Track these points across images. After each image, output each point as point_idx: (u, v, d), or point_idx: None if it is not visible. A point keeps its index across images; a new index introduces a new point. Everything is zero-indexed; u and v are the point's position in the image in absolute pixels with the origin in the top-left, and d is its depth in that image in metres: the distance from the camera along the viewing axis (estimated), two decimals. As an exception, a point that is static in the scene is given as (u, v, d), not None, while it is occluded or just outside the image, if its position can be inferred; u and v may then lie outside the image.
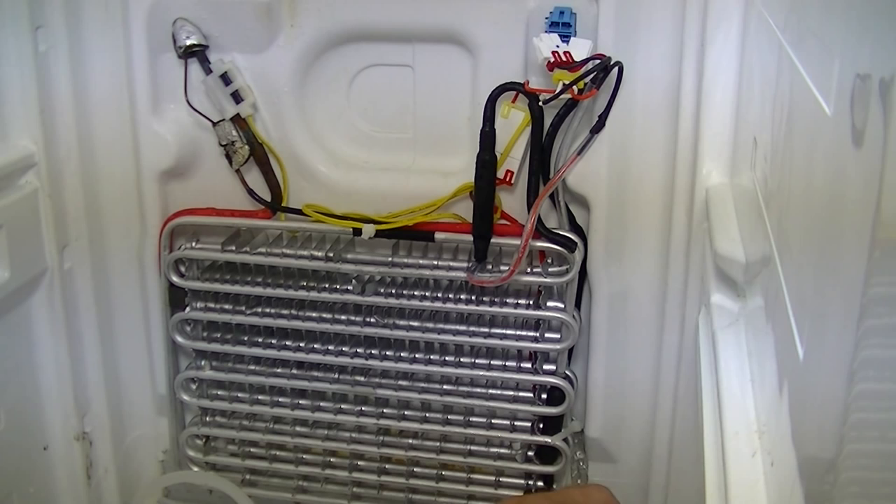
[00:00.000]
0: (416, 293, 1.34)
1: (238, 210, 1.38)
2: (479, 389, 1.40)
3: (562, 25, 1.18)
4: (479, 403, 1.39)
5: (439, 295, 1.33)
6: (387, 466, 1.47)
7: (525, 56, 1.25)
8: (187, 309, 1.42)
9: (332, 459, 1.49)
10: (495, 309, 1.32)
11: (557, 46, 1.16)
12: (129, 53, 1.30)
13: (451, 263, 1.31)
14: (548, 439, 1.39)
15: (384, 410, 1.44)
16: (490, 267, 1.30)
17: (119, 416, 1.48)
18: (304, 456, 1.49)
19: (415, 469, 1.47)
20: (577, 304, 1.34)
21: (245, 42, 1.31)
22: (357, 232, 1.32)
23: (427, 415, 1.44)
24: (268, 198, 1.37)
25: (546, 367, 1.36)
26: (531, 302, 1.32)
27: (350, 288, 1.35)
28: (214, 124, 1.34)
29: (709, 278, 1.06)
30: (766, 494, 0.70)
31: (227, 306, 1.41)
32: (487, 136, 1.22)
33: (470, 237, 1.28)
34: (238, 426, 1.49)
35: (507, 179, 1.27)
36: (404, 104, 1.35)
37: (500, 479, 1.45)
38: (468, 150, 1.31)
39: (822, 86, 0.64)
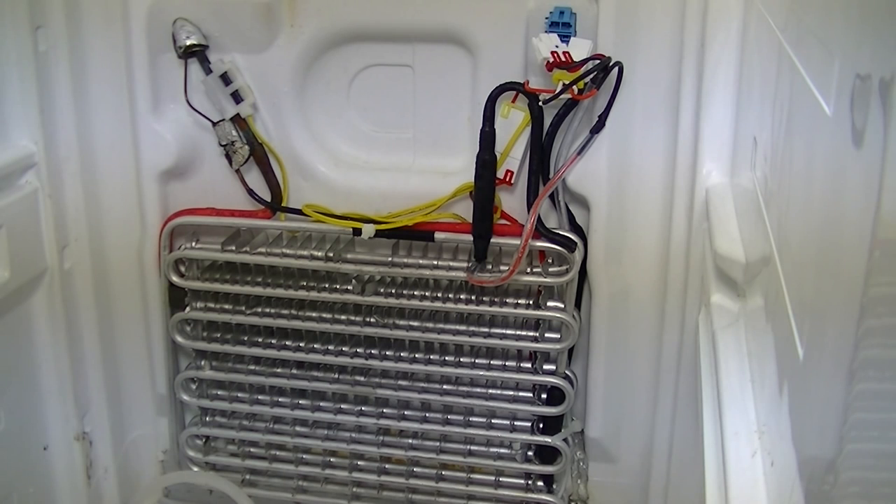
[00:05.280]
0: (416, 293, 1.34)
1: (238, 210, 1.38)
2: (478, 389, 1.40)
3: (562, 25, 1.18)
4: (478, 403, 1.39)
5: (439, 295, 1.33)
6: (387, 466, 1.47)
7: (525, 56, 1.25)
8: (187, 309, 1.42)
9: (332, 459, 1.49)
10: (495, 309, 1.32)
11: (557, 46, 1.16)
12: (129, 53, 1.31)
13: (451, 263, 1.31)
14: (548, 439, 1.39)
15: (384, 410, 1.44)
16: (490, 267, 1.30)
17: (119, 416, 1.48)
18: (304, 456, 1.49)
19: (415, 469, 1.47)
20: (577, 304, 1.34)
21: (245, 42, 1.31)
22: (357, 232, 1.32)
23: (427, 415, 1.44)
24: (268, 198, 1.37)
25: (546, 366, 1.36)
26: (531, 302, 1.32)
27: (350, 288, 1.35)
28: (214, 124, 1.34)
29: (709, 278, 1.06)
30: (766, 494, 0.69)
31: (227, 306, 1.41)
32: (487, 136, 1.22)
33: (470, 237, 1.28)
34: (238, 426, 1.49)
35: (507, 179, 1.27)
36: (404, 104, 1.35)
37: (500, 479, 1.45)
38: (468, 150, 1.31)
39: (822, 86, 0.64)
